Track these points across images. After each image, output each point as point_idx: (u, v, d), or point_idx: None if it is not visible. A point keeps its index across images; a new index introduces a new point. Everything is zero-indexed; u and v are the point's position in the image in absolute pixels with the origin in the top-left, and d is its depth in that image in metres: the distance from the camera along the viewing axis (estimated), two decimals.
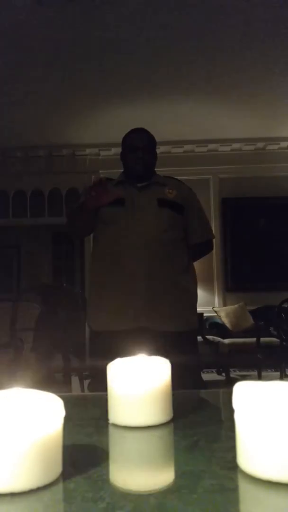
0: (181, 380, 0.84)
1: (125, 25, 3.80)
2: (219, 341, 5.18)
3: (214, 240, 2.23)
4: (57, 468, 0.49)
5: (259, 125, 5.77)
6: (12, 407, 0.48)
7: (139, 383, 0.70)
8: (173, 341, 1.81)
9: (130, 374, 0.70)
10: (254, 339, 4.91)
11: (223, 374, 5.09)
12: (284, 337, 4.61)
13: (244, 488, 0.48)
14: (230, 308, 5.76)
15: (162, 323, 1.86)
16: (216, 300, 6.14)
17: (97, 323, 1.95)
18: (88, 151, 6.29)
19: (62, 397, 0.52)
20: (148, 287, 1.86)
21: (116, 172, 2.17)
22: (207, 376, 4.97)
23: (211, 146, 6.26)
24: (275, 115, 5.52)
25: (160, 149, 2.60)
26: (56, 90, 4.82)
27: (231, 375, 5.05)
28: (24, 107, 5.13)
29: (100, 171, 6.00)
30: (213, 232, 2.27)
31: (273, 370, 5.23)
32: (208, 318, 5.70)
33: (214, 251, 3.29)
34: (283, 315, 4.71)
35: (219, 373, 5.36)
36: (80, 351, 3.69)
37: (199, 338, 4.17)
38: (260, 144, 6.26)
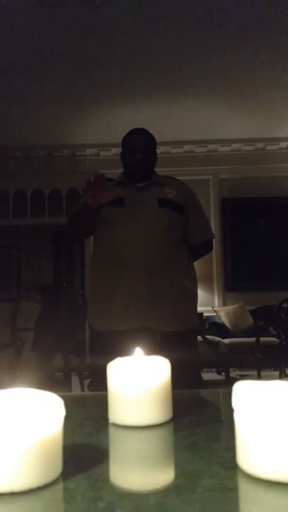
0: (181, 379, 0.84)
1: (125, 26, 3.80)
2: (219, 341, 5.18)
3: (214, 240, 2.23)
4: (57, 468, 0.49)
5: (259, 125, 5.78)
6: (12, 407, 0.48)
7: (139, 383, 0.70)
8: (173, 340, 1.81)
9: (130, 373, 0.70)
10: (253, 339, 4.91)
11: (223, 373, 5.09)
12: (283, 337, 4.61)
13: (244, 488, 0.48)
14: (230, 308, 5.76)
15: (162, 323, 1.86)
16: (216, 300, 6.14)
17: (97, 323, 1.95)
18: (88, 151, 6.30)
19: (62, 396, 0.52)
20: (148, 287, 1.86)
21: (116, 172, 2.17)
22: (207, 375, 4.97)
23: (211, 146, 6.26)
24: (275, 115, 5.52)
25: (160, 149, 2.60)
26: (56, 91, 4.83)
27: (231, 375, 5.05)
28: (24, 107, 5.13)
29: (100, 172, 6.00)
30: (213, 232, 2.27)
31: (273, 369, 5.23)
32: (208, 318, 5.71)
33: (214, 251, 3.30)
34: (283, 315, 4.71)
35: (219, 373, 5.35)
36: (80, 351, 3.69)
37: (199, 338, 4.17)
38: (259, 145, 6.26)
